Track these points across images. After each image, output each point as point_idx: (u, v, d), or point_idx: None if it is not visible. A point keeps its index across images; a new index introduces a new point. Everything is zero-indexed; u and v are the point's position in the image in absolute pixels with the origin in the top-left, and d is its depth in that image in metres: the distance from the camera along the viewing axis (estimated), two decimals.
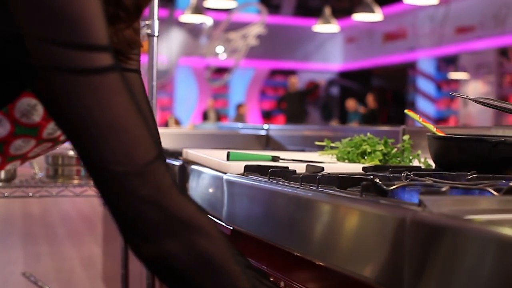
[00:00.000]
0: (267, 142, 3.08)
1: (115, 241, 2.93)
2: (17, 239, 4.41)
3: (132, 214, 0.82)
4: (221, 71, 11.98)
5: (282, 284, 1.32)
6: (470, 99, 1.46)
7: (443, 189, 0.95)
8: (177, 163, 2.00)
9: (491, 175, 1.29)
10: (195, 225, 0.85)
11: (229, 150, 1.66)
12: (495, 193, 1.00)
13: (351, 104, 10.93)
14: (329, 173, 1.28)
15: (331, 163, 1.69)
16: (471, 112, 11.18)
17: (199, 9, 9.46)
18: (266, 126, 3.12)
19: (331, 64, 13.88)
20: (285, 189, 1.26)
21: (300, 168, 1.51)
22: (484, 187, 1.03)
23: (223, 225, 1.59)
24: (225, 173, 1.58)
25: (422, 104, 12.03)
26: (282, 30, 13.25)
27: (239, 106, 12.04)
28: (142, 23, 2.13)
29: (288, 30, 13.45)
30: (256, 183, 1.39)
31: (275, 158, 1.67)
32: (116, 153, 0.81)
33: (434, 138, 1.53)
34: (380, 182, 1.05)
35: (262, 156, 1.68)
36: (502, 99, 11.92)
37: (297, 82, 11.64)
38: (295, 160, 1.66)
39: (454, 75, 11.68)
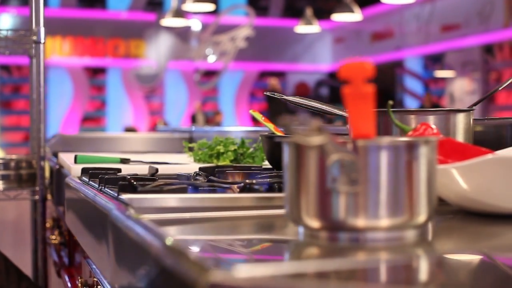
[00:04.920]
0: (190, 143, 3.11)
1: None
2: None
3: None
4: (210, 74, 12.01)
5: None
6: (284, 99, 1.48)
7: (167, 188, 0.98)
8: (54, 166, 2.04)
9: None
10: None
11: (76, 154, 1.70)
12: (234, 191, 1.03)
13: None
14: (122, 175, 1.31)
15: (181, 164, 1.73)
16: None
17: (180, 13, 9.50)
18: (190, 128, 3.15)
19: (320, 64, 13.89)
20: (82, 189, 1.29)
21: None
22: (232, 186, 1.06)
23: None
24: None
25: (410, 102, 12.02)
26: (270, 31, 13.27)
27: (215, 114, 12.07)
28: (28, 32, 2.17)
29: (277, 32, 13.47)
30: (74, 184, 1.43)
31: (124, 160, 1.71)
32: None
33: (265, 137, 1.56)
34: (135, 183, 1.09)
35: (111, 159, 1.72)
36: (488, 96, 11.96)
37: (277, 84, 11.65)
38: (143, 162, 1.70)
39: (440, 73, 11.66)
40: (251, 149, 1.77)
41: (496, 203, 0.90)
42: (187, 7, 9.00)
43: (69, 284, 1.80)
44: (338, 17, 9.49)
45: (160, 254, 0.60)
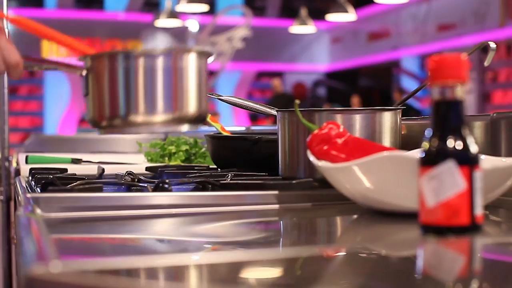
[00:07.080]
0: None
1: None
2: None
3: None
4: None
5: None
6: (220, 99, 1.50)
7: (78, 187, 0.99)
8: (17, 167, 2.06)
9: (216, 171, 1.34)
10: None
11: (28, 154, 1.72)
12: (149, 190, 1.05)
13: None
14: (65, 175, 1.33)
15: (131, 164, 1.75)
16: None
17: (174, 13, 9.52)
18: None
19: (317, 65, 13.90)
20: (18, 188, 1.31)
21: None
22: (148, 185, 1.08)
23: None
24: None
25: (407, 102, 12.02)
26: (267, 32, 13.28)
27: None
28: None
29: (274, 32, 13.48)
30: (17, 184, 1.45)
31: (75, 161, 1.73)
32: None
33: (209, 137, 1.58)
34: (58, 181, 1.10)
35: (62, 159, 1.74)
36: (484, 95, 11.86)
37: (280, 84, 11.68)
38: (93, 162, 1.72)
39: None
40: (204, 149, 1.78)
41: (393, 201, 0.91)
42: (181, 7, 9.02)
43: None
44: (333, 17, 9.50)
45: (18, 250, 0.62)
